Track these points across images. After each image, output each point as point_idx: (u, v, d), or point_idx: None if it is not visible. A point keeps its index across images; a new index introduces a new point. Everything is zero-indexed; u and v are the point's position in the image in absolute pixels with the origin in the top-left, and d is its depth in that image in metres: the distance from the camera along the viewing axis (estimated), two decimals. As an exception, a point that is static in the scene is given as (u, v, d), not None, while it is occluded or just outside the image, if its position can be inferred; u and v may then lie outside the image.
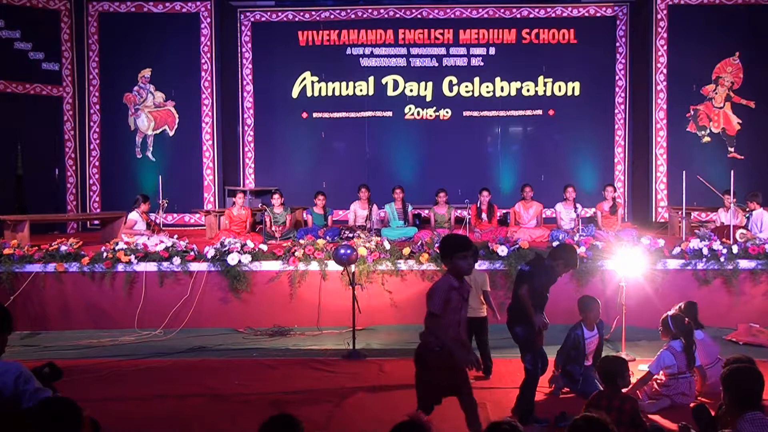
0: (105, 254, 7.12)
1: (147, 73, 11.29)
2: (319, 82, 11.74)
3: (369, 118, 11.75)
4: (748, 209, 8.14)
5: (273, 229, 8.86)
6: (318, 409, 4.59)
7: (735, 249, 6.98)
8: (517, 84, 11.61)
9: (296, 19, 11.75)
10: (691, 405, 4.29)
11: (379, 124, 11.74)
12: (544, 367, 4.58)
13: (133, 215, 8.58)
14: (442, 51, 11.64)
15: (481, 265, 7.11)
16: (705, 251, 6.95)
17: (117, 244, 7.33)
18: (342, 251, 6.15)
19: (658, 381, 4.62)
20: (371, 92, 11.70)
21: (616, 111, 11.65)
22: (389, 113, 11.73)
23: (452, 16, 11.63)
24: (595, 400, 3.62)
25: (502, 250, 7.01)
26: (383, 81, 11.67)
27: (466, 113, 11.66)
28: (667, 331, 4.74)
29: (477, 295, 5.24)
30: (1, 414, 2.67)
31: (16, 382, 2.71)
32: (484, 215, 9.18)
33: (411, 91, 11.66)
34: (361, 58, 11.71)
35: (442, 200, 9.22)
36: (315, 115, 11.77)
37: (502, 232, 8.40)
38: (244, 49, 11.83)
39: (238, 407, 4.66)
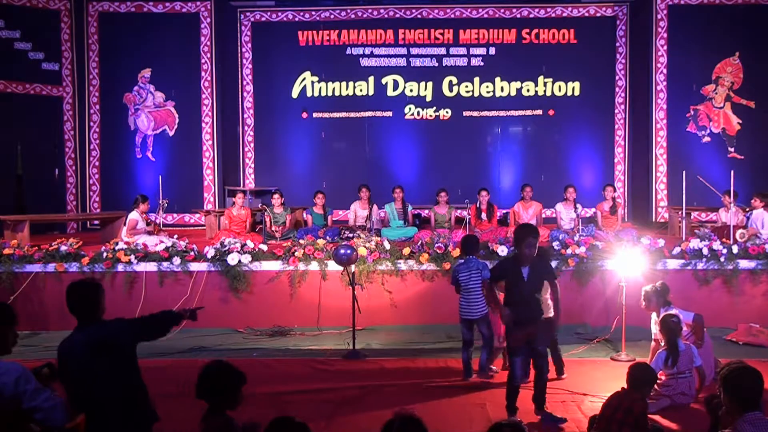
0: (105, 254, 7.13)
1: (147, 73, 11.29)
2: (319, 82, 11.73)
3: (369, 118, 11.74)
4: (750, 207, 8.14)
5: (273, 229, 8.85)
6: (318, 409, 4.59)
7: (735, 249, 6.98)
8: (517, 84, 11.61)
9: (296, 19, 11.75)
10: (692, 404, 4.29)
11: (379, 124, 11.74)
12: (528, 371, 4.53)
13: (134, 215, 8.55)
14: (442, 51, 11.63)
15: (481, 265, 7.13)
16: (705, 251, 6.95)
17: (117, 244, 7.34)
18: (342, 251, 6.16)
19: (658, 381, 4.62)
20: (371, 92, 11.68)
21: (616, 111, 11.64)
22: (389, 113, 11.72)
23: (452, 16, 11.63)
24: (609, 399, 3.68)
25: (502, 250, 7.01)
26: (383, 81, 11.66)
27: (466, 113, 11.65)
28: (665, 331, 4.74)
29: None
30: (1, 414, 2.67)
31: (17, 383, 2.71)
32: (483, 215, 9.19)
33: (411, 91, 11.65)
34: (361, 58, 11.70)
35: (443, 200, 9.22)
36: (315, 115, 11.77)
37: (502, 232, 8.41)
38: (244, 49, 11.83)
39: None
